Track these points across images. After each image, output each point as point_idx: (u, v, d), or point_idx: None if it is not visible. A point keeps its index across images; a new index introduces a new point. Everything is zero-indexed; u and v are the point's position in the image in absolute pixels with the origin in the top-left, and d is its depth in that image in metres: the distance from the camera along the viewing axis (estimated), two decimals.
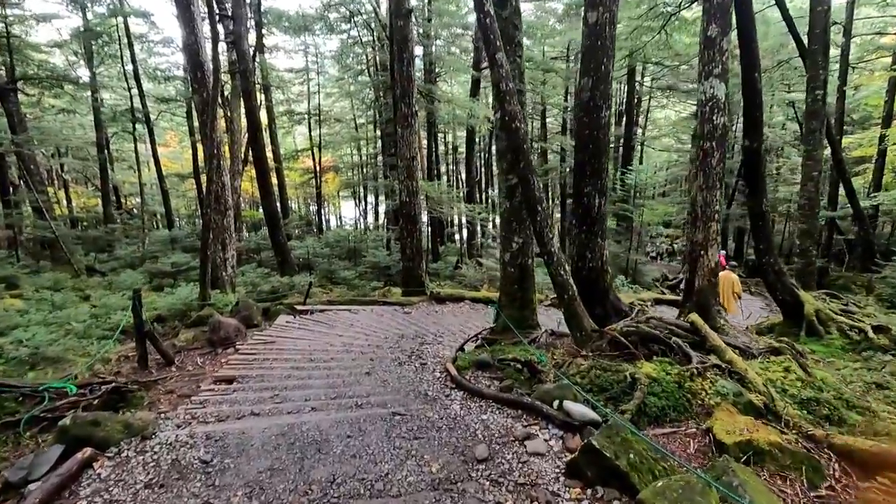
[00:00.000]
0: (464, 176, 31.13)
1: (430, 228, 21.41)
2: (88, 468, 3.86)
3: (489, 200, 27.13)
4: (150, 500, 3.49)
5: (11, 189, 18.58)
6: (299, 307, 10.32)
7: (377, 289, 18.65)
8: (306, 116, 29.15)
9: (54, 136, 21.59)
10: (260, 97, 25.25)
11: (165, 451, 4.15)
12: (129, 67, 21.40)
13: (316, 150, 28.68)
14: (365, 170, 32.05)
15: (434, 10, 20.36)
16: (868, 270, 19.24)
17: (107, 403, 5.66)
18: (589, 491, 3.48)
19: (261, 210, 22.82)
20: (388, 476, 3.75)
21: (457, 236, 34.63)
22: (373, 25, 21.16)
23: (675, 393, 4.69)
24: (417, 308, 11.64)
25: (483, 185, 26.21)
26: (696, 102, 7.94)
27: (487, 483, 3.64)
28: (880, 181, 18.46)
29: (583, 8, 6.66)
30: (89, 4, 20.65)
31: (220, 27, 15.18)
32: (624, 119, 25.40)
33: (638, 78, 25.60)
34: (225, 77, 23.20)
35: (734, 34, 8.17)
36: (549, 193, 29.54)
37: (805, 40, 12.88)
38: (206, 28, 11.53)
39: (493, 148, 28.04)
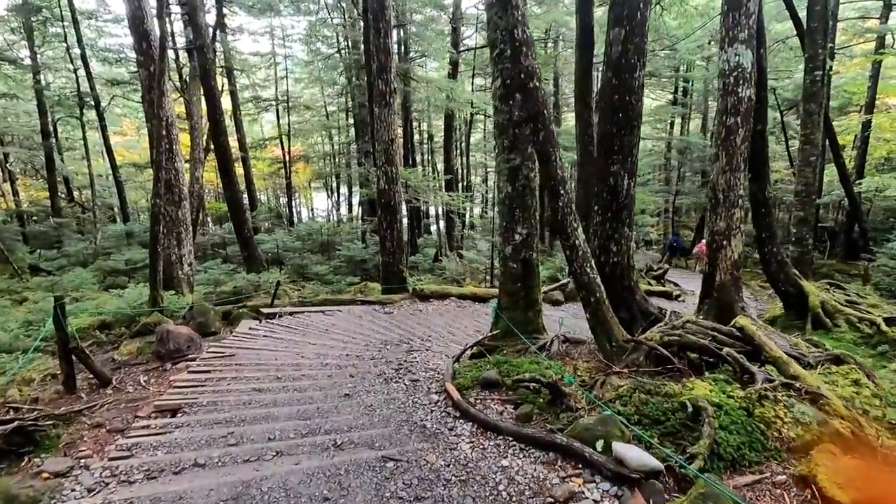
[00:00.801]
0: (440, 166, 29.86)
1: (408, 220, 20.13)
2: None
3: (471, 190, 25.89)
4: None
5: None
6: (266, 310, 8.95)
7: (353, 284, 17.32)
8: (274, 103, 27.29)
9: None
10: (223, 81, 23.37)
11: None
12: (78, 51, 19.30)
13: (285, 138, 26.91)
14: (337, 159, 30.40)
15: None
16: (852, 259, 18.94)
17: (5, 449, 4.30)
18: None
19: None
20: None
21: (433, 228, 33.39)
22: (343, 3, 19.57)
23: (745, 424, 3.62)
24: (399, 307, 10.41)
25: (461, 175, 24.97)
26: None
27: None
28: (863, 168, 18.03)
29: None
30: None
31: None
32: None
33: None
34: (183, 59, 21.30)
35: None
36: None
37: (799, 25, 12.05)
38: None
39: (472, 138, 26.86)
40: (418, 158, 29.33)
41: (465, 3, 20.96)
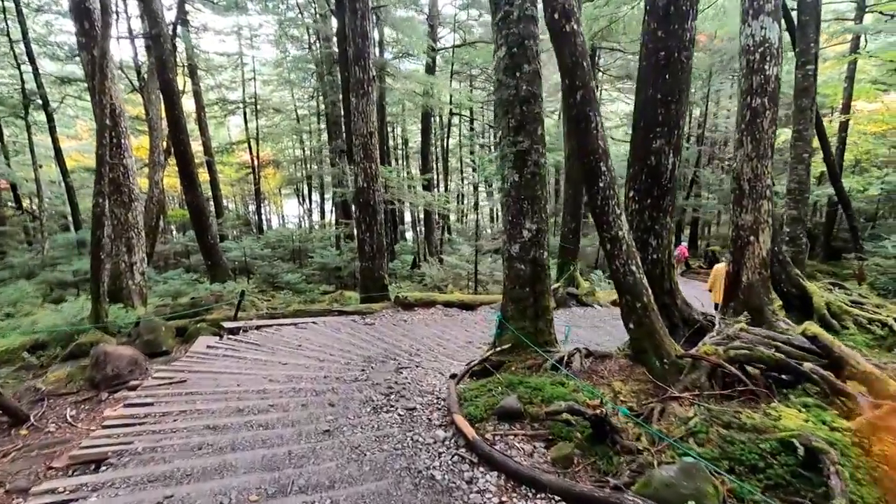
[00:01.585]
0: (415, 171, 28.76)
1: (385, 223, 18.94)
2: None
3: (448, 193, 24.84)
4: None
5: None
6: (228, 324, 7.67)
7: (328, 293, 16.03)
8: (241, 105, 25.74)
9: None
10: (185, 81, 21.81)
11: None
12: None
13: (253, 142, 25.38)
14: (309, 164, 28.99)
15: None
16: (832, 259, 18.73)
17: None
18: None
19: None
20: None
21: (409, 234, 32.16)
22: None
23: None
24: (381, 317, 9.27)
25: (438, 179, 23.94)
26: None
27: None
28: (841, 169, 17.82)
29: None
30: None
31: None
32: None
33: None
34: (142, 59, 19.67)
35: None
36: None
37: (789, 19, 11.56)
38: None
39: (448, 138, 25.86)
40: (393, 164, 28.20)
41: (441, 1, 20.02)
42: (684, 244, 21.62)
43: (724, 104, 24.45)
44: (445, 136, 21.23)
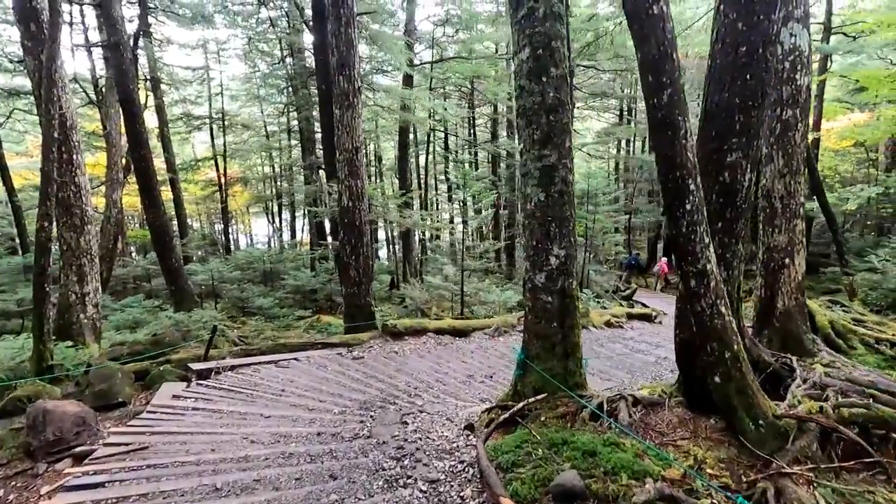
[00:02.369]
0: (388, 189, 27.92)
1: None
2: None
3: (428, 209, 23.98)
4: None
5: None
6: (197, 365, 6.59)
7: (303, 318, 14.91)
8: (207, 121, 24.44)
9: None
10: (147, 94, 20.45)
11: None
12: None
13: (220, 159, 24.06)
14: (279, 182, 27.75)
15: None
16: (809, 274, 18.81)
17: None
18: None
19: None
20: None
21: (382, 252, 31.13)
22: (286, 11, 17.52)
23: None
24: (369, 350, 8.34)
25: (420, 198, 23.15)
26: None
27: None
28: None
29: None
30: None
31: None
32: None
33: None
34: (100, 72, 18.26)
35: None
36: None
37: None
38: None
39: (428, 154, 25.17)
40: (366, 181, 27.28)
41: (417, 15, 19.51)
42: (664, 259, 21.45)
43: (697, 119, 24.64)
44: (426, 151, 20.48)
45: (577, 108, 29.94)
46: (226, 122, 24.45)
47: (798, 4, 5.40)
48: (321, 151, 15.07)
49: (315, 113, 17.61)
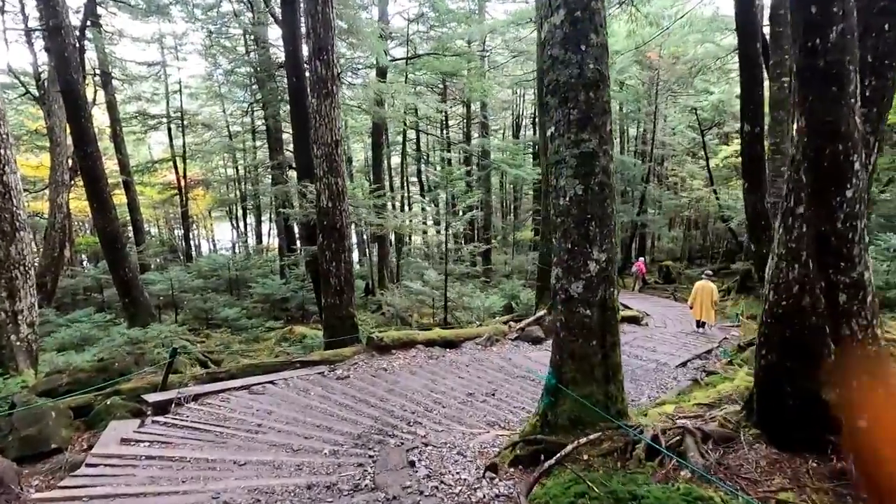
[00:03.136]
0: (359, 193, 26.73)
1: None
2: None
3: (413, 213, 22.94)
4: None
5: None
6: (154, 396, 5.47)
7: (274, 329, 13.71)
8: (165, 120, 22.72)
9: None
10: (96, 91, 18.68)
11: None
12: None
13: (179, 161, 22.40)
14: (243, 184, 26.16)
15: None
16: None
17: None
18: None
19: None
20: None
21: (354, 255, 29.89)
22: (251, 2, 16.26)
23: None
24: (355, 367, 7.36)
25: (399, 198, 22.15)
26: None
27: None
28: None
29: None
30: None
31: None
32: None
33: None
34: (42, 66, 16.47)
35: None
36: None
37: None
38: None
39: (404, 152, 24.22)
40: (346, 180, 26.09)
41: (390, 9, 18.55)
42: (642, 259, 21.21)
43: (667, 122, 24.64)
44: (402, 150, 19.54)
45: None
46: (185, 122, 22.80)
47: None
48: (291, 149, 13.95)
49: (283, 111, 16.44)
